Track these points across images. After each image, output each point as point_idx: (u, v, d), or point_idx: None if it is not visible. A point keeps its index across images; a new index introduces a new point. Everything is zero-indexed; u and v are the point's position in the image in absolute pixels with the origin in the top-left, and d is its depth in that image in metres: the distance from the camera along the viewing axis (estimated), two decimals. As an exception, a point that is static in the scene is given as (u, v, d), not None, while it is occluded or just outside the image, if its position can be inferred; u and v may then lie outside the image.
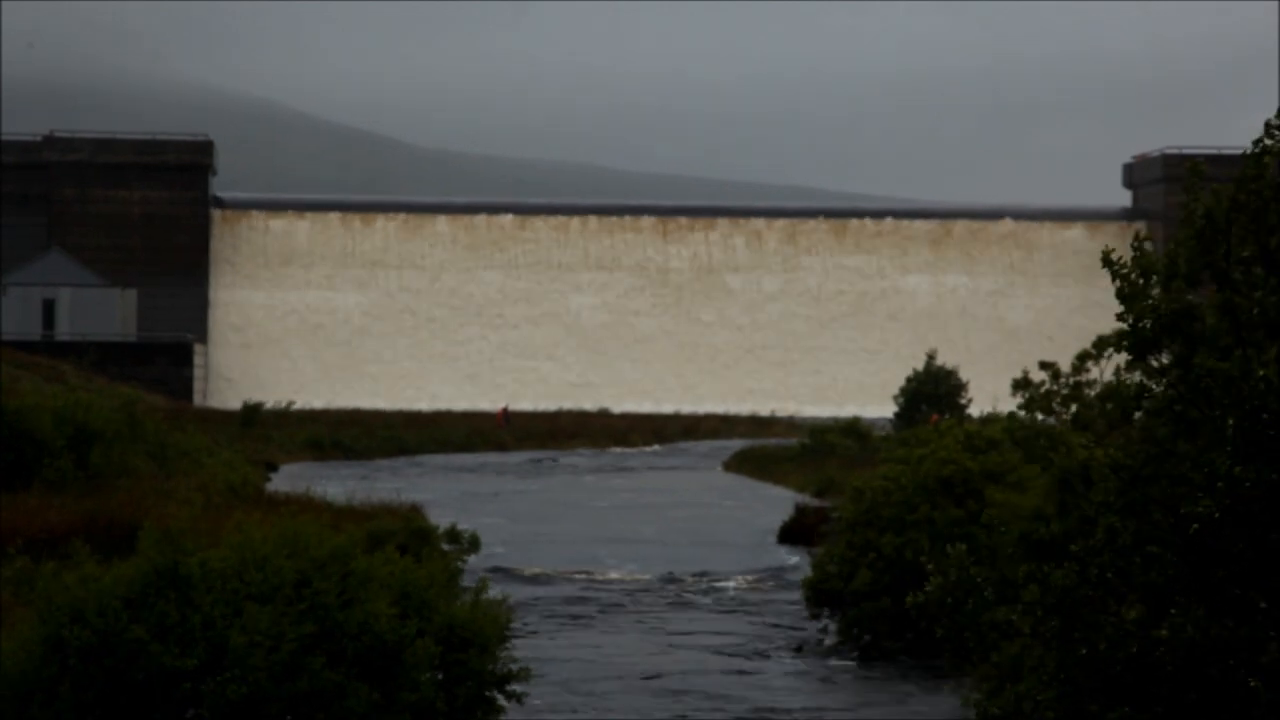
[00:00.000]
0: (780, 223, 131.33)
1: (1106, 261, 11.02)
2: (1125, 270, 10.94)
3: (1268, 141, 10.92)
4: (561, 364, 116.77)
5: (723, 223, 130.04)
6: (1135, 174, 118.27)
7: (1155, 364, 10.95)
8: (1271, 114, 11.27)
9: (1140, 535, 10.18)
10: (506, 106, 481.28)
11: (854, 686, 23.92)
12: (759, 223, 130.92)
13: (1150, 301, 10.88)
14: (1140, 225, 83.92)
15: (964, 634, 18.23)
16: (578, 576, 33.26)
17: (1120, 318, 10.99)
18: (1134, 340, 11.00)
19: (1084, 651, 10.29)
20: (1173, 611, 9.62)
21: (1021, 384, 11.73)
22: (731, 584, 32.91)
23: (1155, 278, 10.94)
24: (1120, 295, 11.01)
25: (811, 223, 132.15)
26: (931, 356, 77.74)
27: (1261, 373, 9.81)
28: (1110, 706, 10.13)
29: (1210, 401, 10.23)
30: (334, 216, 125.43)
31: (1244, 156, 10.94)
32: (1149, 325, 10.89)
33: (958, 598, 22.33)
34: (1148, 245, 11.18)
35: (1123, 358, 11.31)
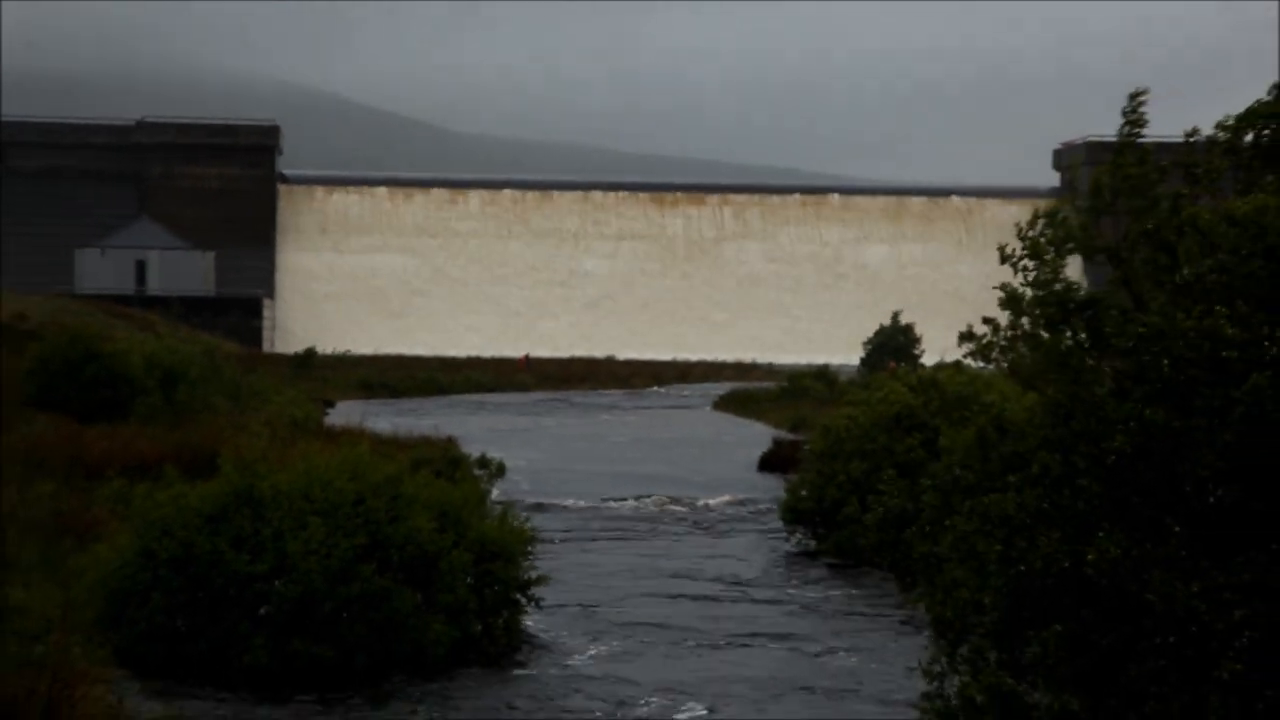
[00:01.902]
0: (761, 198, 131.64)
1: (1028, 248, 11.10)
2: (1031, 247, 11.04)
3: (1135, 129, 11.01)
4: (574, 318, 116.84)
5: (712, 199, 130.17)
6: (1063, 158, 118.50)
7: (1070, 333, 10.95)
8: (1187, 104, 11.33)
9: (1068, 468, 10.20)
10: (531, 97, 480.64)
11: (807, 571, 24.36)
12: (743, 198, 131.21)
13: (1060, 282, 10.92)
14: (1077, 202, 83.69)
15: (909, 552, 18.39)
16: (591, 500, 33.27)
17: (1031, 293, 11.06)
18: (1046, 310, 11.02)
19: (1021, 569, 10.33)
20: (1099, 535, 9.65)
21: (966, 336, 11.69)
22: (719, 504, 32.93)
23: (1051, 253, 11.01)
24: (1030, 272, 11.07)
25: (789, 199, 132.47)
26: (896, 316, 77.86)
27: (1188, 324, 9.84)
28: (1041, 619, 10.18)
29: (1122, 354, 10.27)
30: (381, 191, 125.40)
31: (1122, 141, 11.01)
32: (1061, 298, 10.93)
33: (900, 521, 22.65)
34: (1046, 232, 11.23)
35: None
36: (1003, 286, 11.16)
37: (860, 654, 17.30)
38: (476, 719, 16.00)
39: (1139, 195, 10.85)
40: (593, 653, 18.91)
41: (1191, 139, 11.18)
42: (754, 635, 19.06)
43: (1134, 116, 11.00)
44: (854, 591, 22.43)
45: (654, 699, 16.90)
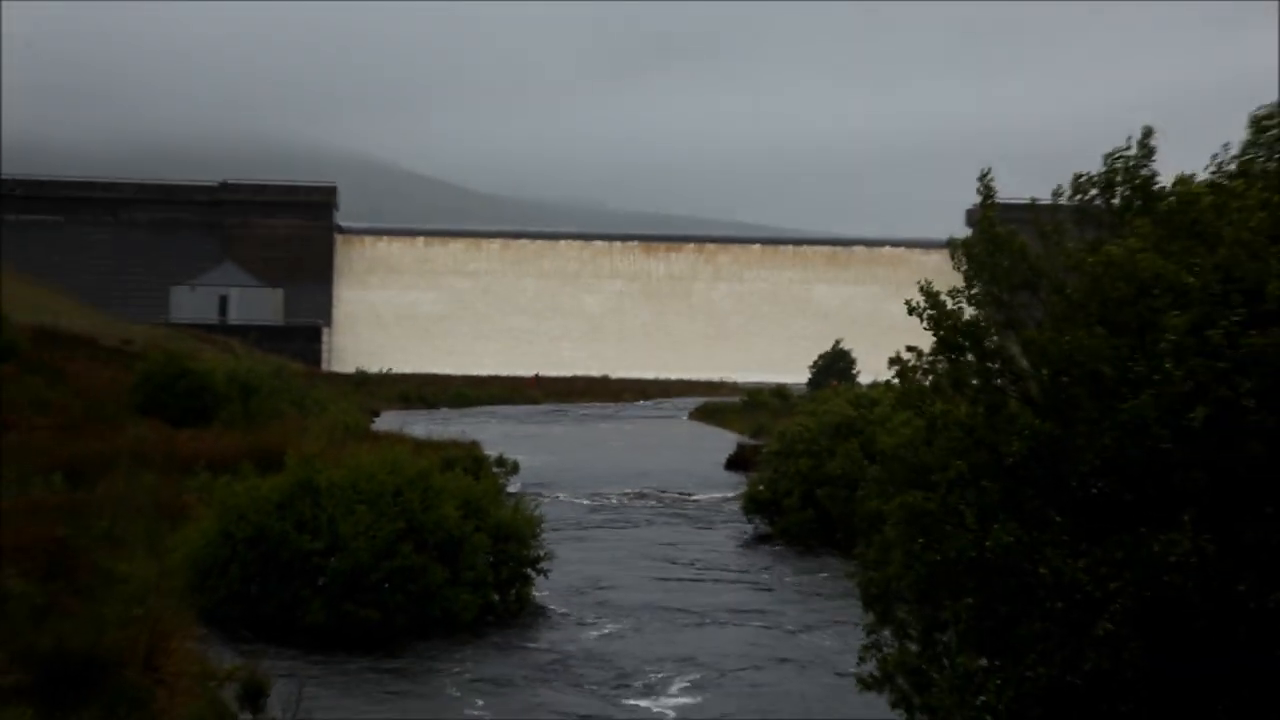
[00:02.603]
0: (728, 247, 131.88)
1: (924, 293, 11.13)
2: (928, 298, 11.07)
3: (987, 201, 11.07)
4: (575, 343, 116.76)
5: (688, 247, 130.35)
6: (971, 216, 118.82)
7: (963, 356, 10.98)
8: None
9: (975, 469, 10.21)
10: (540, 164, 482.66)
11: (768, 553, 24.43)
12: (713, 247, 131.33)
13: (950, 317, 10.95)
14: (957, 259, 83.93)
15: (849, 524, 18.45)
16: (588, 493, 33.30)
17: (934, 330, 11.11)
18: (941, 340, 11.06)
19: (936, 555, 10.33)
20: (996, 526, 9.65)
21: (895, 361, 11.71)
22: (693, 497, 32.95)
23: (949, 301, 11.05)
24: (932, 319, 11.08)
25: (751, 248, 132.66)
26: (838, 343, 78.02)
27: (1068, 341, 9.85)
28: (954, 594, 10.19)
29: (1009, 373, 10.30)
30: (419, 240, 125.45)
31: (995, 206, 11.09)
32: (949, 333, 10.97)
33: (845, 493, 22.82)
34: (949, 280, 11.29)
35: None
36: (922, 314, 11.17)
37: (822, 630, 17.26)
38: (501, 670, 16.08)
39: (998, 249, 10.89)
40: (590, 618, 19.05)
41: (1034, 201, 11.32)
42: (733, 612, 19.06)
43: (986, 190, 11.06)
44: (810, 573, 22.31)
45: (645, 662, 16.89)
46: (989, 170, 11.09)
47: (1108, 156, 10.89)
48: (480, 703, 14.13)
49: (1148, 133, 10.81)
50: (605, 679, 15.06)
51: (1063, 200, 11.15)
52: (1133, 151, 10.79)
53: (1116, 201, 10.81)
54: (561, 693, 14.51)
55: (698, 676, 15.03)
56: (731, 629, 17.75)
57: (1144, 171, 10.66)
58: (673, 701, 13.98)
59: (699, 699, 14.06)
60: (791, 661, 15.66)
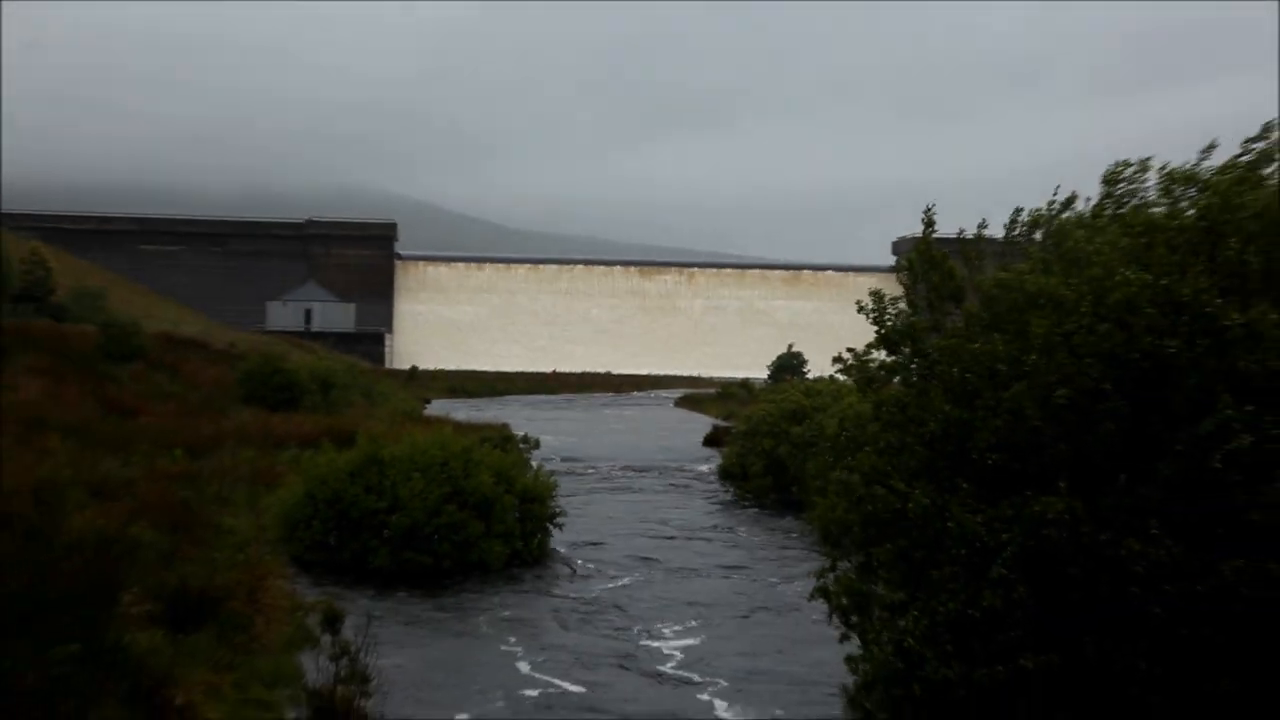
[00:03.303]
0: (705, 270, 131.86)
1: (876, 300, 11.16)
2: (877, 305, 11.14)
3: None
4: (585, 346, 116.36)
5: (673, 270, 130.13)
6: (898, 246, 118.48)
7: (898, 353, 11.02)
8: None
9: (901, 442, 10.24)
10: (557, 205, 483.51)
11: (739, 515, 24.15)
12: (693, 270, 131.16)
13: (891, 319, 11.01)
14: (893, 279, 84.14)
15: (803, 487, 18.42)
16: (595, 464, 33.28)
17: (877, 333, 11.15)
18: (883, 340, 11.08)
19: (869, 508, 10.35)
20: (916, 489, 9.67)
21: (837, 360, 11.78)
22: (678, 467, 32.94)
23: (893, 308, 11.12)
24: (875, 319, 11.13)
25: (724, 271, 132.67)
26: (791, 346, 77.85)
27: (975, 346, 9.87)
28: (882, 541, 10.22)
29: (932, 368, 10.33)
30: (460, 265, 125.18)
31: (925, 236, 11.16)
32: (890, 332, 11.01)
33: (798, 464, 22.85)
34: (890, 294, 11.35)
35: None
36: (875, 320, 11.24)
37: (796, 582, 16.88)
38: (528, 611, 16.10)
39: (933, 268, 10.94)
40: (594, 559, 19.09)
41: (962, 234, 11.33)
42: (719, 566, 18.83)
43: (929, 220, 11.09)
44: (775, 532, 22.08)
45: (650, 608, 16.85)
46: (932, 205, 11.12)
47: (1053, 202, 10.99)
48: (512, 639, 13.97)
49: (1071, 196, 10.94)
50: (618, 623, 14.87)
51: (986, 234, 11.23)
52: (1057, 201, 10.93)
53: (1037, 237, 10.91)
54: (581, 633, 14.37)
55: (693, 621, 14.85)
56: (718, 580, 17.60)
57: (1063, 216, 10.75)
58: (679, 643, 13.78)
59: (695, 641, 13.89)
60: (769, 609, 15.48)
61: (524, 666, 12.76)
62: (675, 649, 13.55)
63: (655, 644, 13.82)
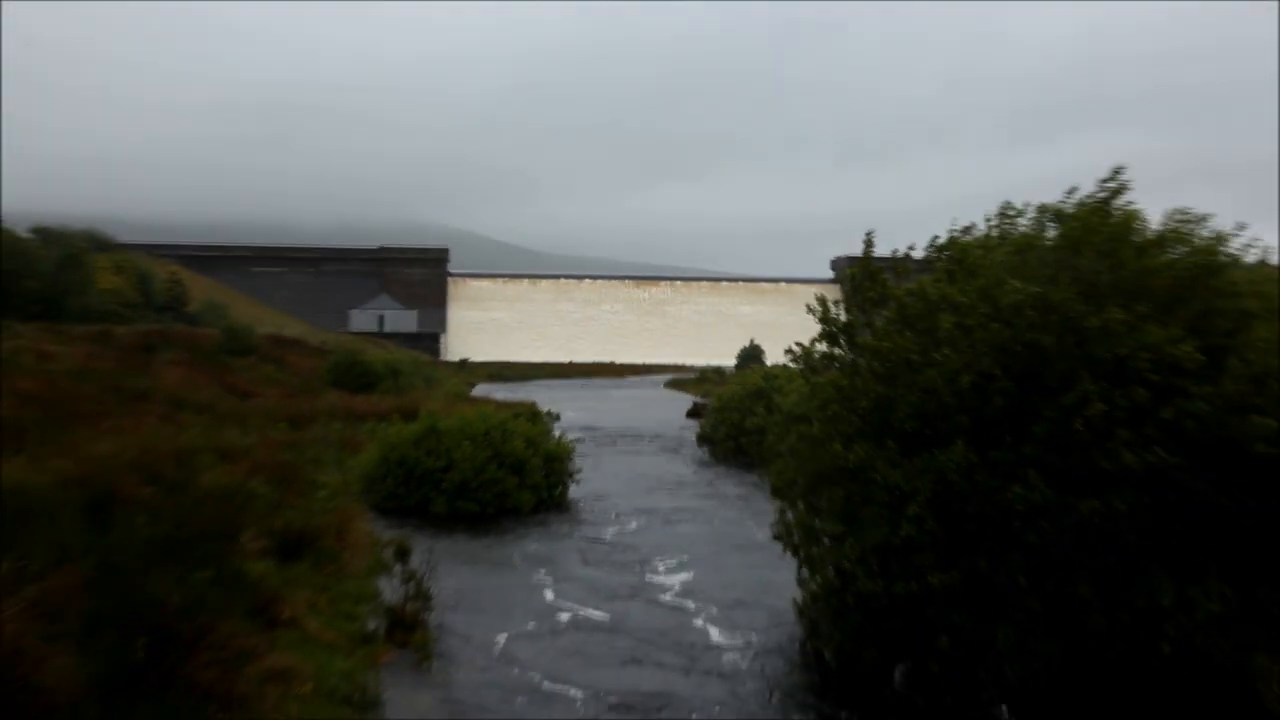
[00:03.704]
0: (687, 283, 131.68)
1: (820, 304, 11.19)
2: (823, 309, 11.17)
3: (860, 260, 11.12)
4: (594, 341, 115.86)
5: (663, 283, 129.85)
6: (835, 264, 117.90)
7: (836, 346, 11.04)
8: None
9: (841, 412, 10.28)
10: (574, 233, 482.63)
11: (714, 472, 23.97)
12: (678, 283, 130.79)
13: (832, 319, 11.03)
14: (837, 288, 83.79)
15: (762, 450, 18.42)
16: (603, 431, 33.25)
17: (821, 330, 11.18)
18: (826, 335, 11.10)
19: (815, 465, 10.40)
20: (855, 447, 9.71)
21: (788, 351, 11.81)
22: (665, 434, 32.92)
23: (834, 311, 11.14)
24: (821, 319, 11.15)
25: (701, 283, 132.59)
26: (752, 340, 77.89)
27: (891, 341, 9.91)
28: (825, 489, 10.26)
29: (864, 358, 10.37)
30: (500, 280, 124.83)
31: (865, 255, 11.19)
32: (831, 330, 11.04)
33: (758, 439, 22.81)
34: (832, 300, 11.35)
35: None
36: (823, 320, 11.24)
37: (758, 527, 16.45)
38: (551, 533, 16.13)
39: (871, 281, 10.96)
40: (601, 505, 18.99)
41: (894, 254, 11.32)
42: (700, 513, 18.46)
43: (869, 242, 11.10)
44: (742, 485, 21.76)
45: (647, 546, 16.80)
46: (872, 231, 11.17)
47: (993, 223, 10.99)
48: (545, 568, 13.89)
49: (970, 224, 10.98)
50: (626, 560, 14.61)
51: (915, 254, 11.25)
52: (958, 228, 10.98)
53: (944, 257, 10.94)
54: (596, 567, 14.14)
55: (685, 558, 14.61)
56: (701, 525, 17.31)
57: (963, 243, 10.77)
58: (678, 578, 13.53)
59: (689, 575, 13.66)
60: (742, 548, 15.21)
61: (549, 594, 12.74)
62: (677, 582, 13.36)
63: (659, 578, 13.69)
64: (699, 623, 11.61)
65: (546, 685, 9.41)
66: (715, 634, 11.22)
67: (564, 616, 11.81)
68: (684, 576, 13.67)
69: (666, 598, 12.69)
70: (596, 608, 12.16)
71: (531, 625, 11.35)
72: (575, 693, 9.27)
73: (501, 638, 10.72)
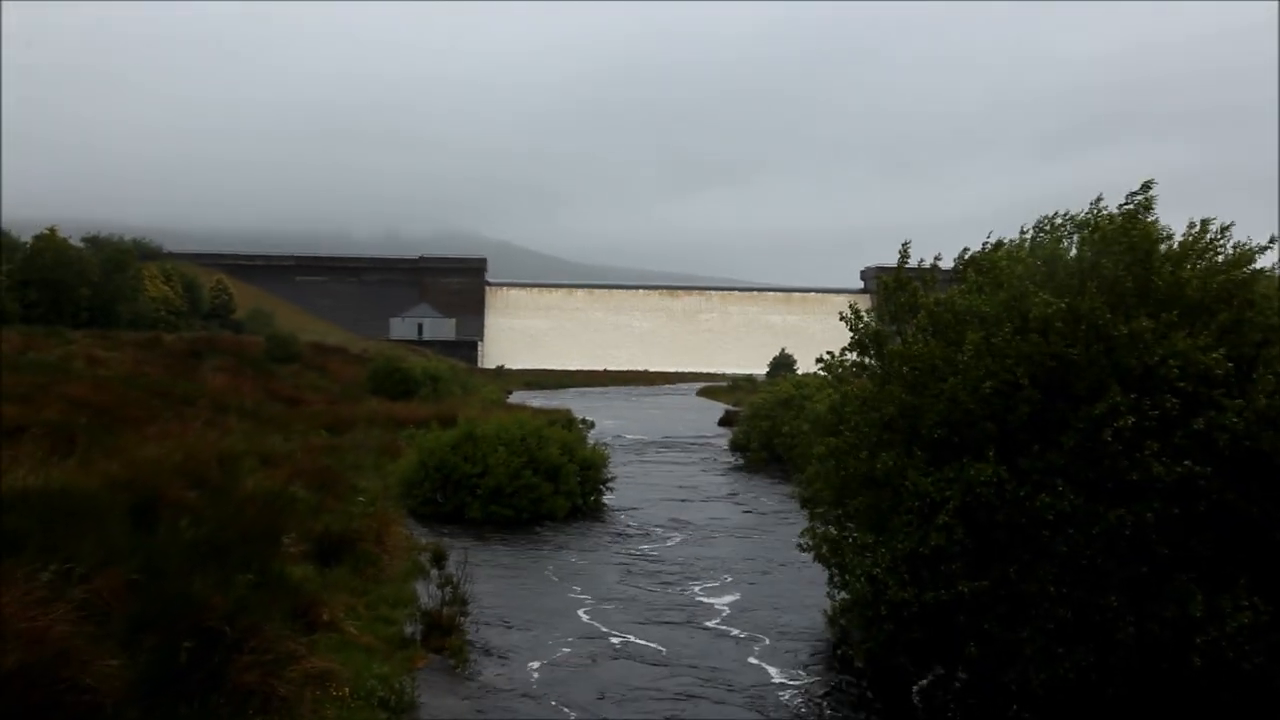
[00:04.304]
0: (721, 292, 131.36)
1: (852, 313, 11.15)
2: (854, 317, 11.12)
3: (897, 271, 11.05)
4: (628, 350, 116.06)
5: (695, 292, 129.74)
6: (865, 274, 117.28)
7: (866, 355, 11.00)
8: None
9: (866, 421, 10.23)
10: (608, 244, 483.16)
11: (746, 479, 23.87)
12: (710, 292, 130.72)
13: (863, 328, 10.98)
14: (867, 297, 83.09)
15: (794, 461, 18.31)
16: (639, 439, 33.25)
17: (851, 339, 11.15)
18: (856, 344, 11.05)
19: (843, 474, 10.34)
20: (883, 455, 9.66)
21: (819, 360, 11.77)
22: (698, 442, 32.87)
23: (865, 319, 11.08)
24: (851, 327, 11.12)
25: (732, 293, 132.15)
26: (784, 349, 77.61)
27: (918, 348, 9.86)
28: (855, 496, 10.20)
29: (891, 366, 10.31)
30: (534, 289, 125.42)
31: (899, 266, 11.15)
32: (862, 338, 10.99)
33: (789, 445, 22.68)
34: (863, 309, 11.31)
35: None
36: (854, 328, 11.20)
37: (795, 538, 15.56)
38: (586, 538, 16.09)
39: (901, 289, 10.91)
40: (637, 512, 18.87)
41: (921, 263, 11.27)
42: (738, 527, 17.68)
43: (904, 253, 11.05)
44: (777, 496, 21.10)
45: (681, 550, 16.56)
46: (908, 242, 11.16)
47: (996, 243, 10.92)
48: (578, 589, 13.02)
49: (998, 240, 10.91)
50: (666, 573, 14.03)
51: (942, 265, 11.19)
52: (990, 244, 10.91)
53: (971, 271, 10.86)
54: (633, 584, 13.42)
55: (729, 578, 13.71)
56: (740, 540, 16.55)
57: (992, 256, 10.69)
58: (727, 598, 12.68)
59: (736, 595, 12.83)
60: (788, 565, 14.08)
61: (582, 597, 12.65)
62: (725, 604, 12.45)
63: (705, 598, 13.22)
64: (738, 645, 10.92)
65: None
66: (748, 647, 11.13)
67: (586, 612, 11.73)
68: (732, 598, 12.83)
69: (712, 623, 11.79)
70: (618, 605, 12.03)
71: (562, 625, 11.30)
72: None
73: (535, 664, 10.01)
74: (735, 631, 11.03)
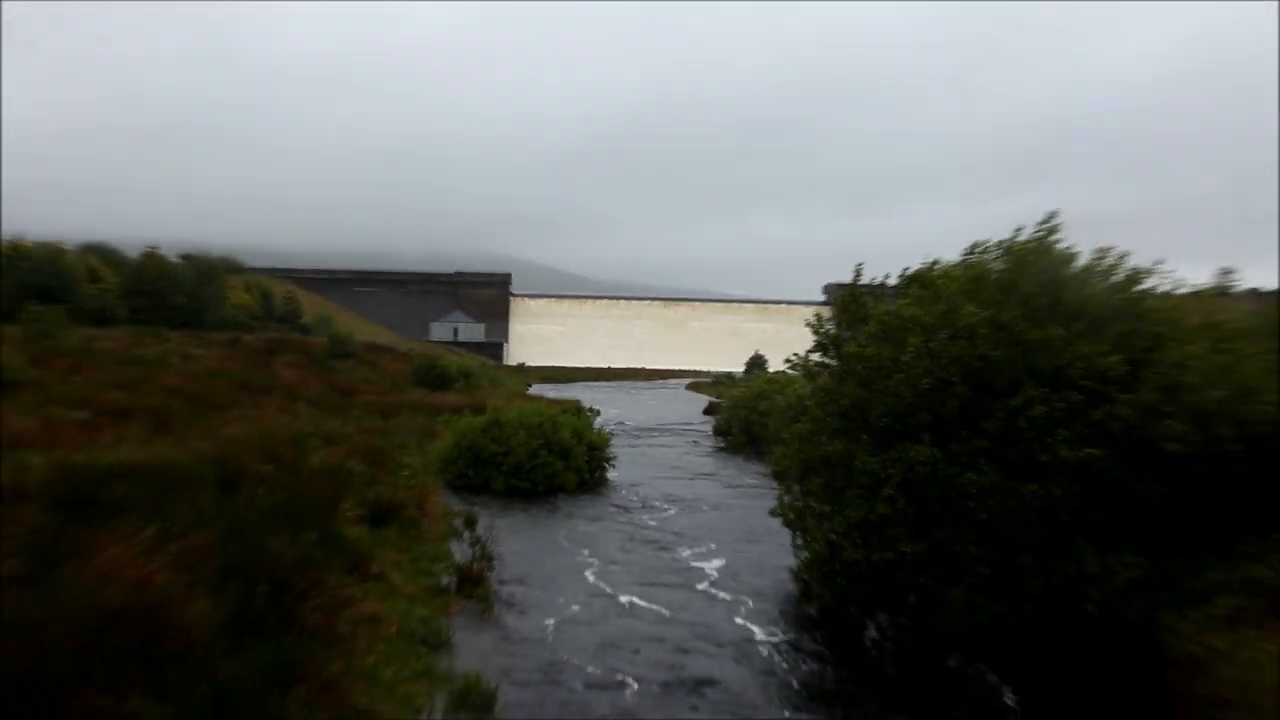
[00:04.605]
0: (707, 304, 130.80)
1: (816, 321, 11.18)
2: (817, 324, 11.14)
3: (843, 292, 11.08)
4: (628, 351, 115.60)
5: (684, 304, 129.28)
6: (827, 290, 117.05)
7: (827, 355, 11.03)
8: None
9: (825, 411, 10.28)
10: (613, 262, 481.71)
11: (726, 460, 23.78)
12: (696, 303, 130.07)
13: (824, 333, 11.00)
14: (828, 308, 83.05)
15: (767, 443, 18.26)
16: (635, 424, 33.23)
17: (815, 342, 11.16)
18: (819, 346, 11.08)
19: (805, 455, 10.40)
20: (838, 440, 9.71)
21: (787, 360, 11.82)
22: (686, 427, 32.86)
23: (826, 326, 11.11)
24: (815, 333, 11.14)
25: (717, 304, 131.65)
26: (757, 351, 77.54)
27: (869, 350, 9.89)
28: (815, 475, 10.24)
29: (848, 365, 10.35)
30: (551, 300, 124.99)
31: (852, 284, 11.19)
32: (822, 340, 11.02)
33: (765, 429, 22.59)
34: (824, 318, 11.32)
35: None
36: (816, 332, 11.18)
37: (769, 510, 14.44)
38: (591, 508, 16.08)
39: (855, 302, 10.97)
40: (635, 486, 18.82)
41: (873, 280, 11.30)
42: (722, 502, 17.30)
43: (857, 272, 11.12)
44: (754, 474, 20.78)
45: (677, 522, 16.25)
46: (862, 263, 11.23)
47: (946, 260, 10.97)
48: (585, 552, 12.96)
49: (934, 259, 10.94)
50: (661, 540, 13.82)
51: (890, 282, 11.22)
52: (928, 262, 10.95)
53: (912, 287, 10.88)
54: (635, 570, 12.55)
55: (722, 560, 12.99)
56: (724, 512, 16.30)
57: (929, 274, 10.73)
58: (715, 563, 12.48)
59: (722, 561, 12.61)
60: (765, 535, 13.58)
61: (587, 553, 12.69)
62: (713, 569, 12.19)
63: (698, 563, 12.62)
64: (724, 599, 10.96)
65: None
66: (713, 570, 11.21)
67: (594, 563, 11.71)
68: (720, 562, 12.60)
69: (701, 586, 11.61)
70: (620, 562, 11.94)
71: (574, 577, 11.32)
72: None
73: (550, 620, 9.73)
74: (723, 595, 10.92)
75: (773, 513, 11.03)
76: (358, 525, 10.90)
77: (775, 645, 9.35)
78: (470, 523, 12.32)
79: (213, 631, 6.28)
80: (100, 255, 53.29)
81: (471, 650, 8.44)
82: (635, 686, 8.02)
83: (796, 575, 10.83)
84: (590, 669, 8.40)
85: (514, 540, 13.20)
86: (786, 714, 7.73)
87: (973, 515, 8.78)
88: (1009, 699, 7.95)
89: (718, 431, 28.09)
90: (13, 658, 4.86)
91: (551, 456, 17.62)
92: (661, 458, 23.81)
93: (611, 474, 19.44)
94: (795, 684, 8.42)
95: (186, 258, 61.85)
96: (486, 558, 10.80)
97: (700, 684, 8.20)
